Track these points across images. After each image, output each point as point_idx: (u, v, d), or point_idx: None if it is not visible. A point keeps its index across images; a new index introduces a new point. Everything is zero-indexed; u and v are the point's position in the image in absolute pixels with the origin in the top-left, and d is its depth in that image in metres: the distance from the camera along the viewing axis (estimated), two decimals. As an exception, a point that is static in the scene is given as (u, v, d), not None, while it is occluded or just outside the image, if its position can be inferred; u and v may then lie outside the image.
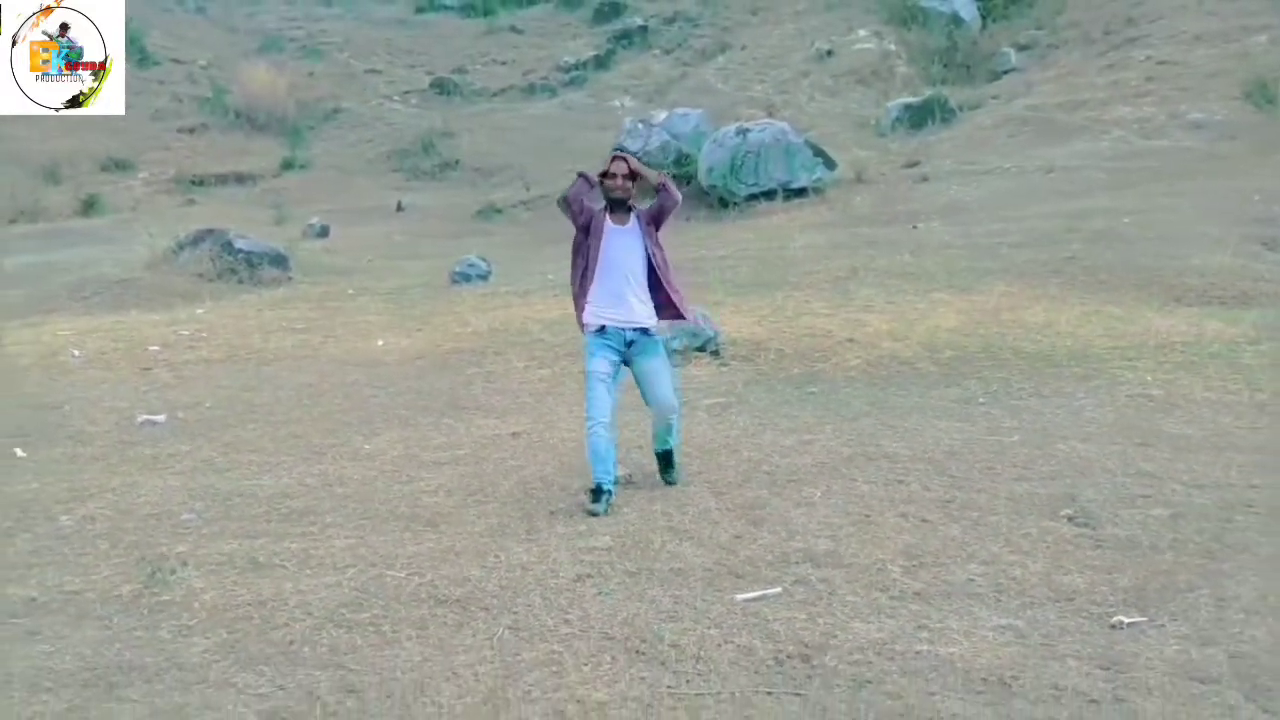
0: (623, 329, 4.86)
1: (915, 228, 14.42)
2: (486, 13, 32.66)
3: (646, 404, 5.06)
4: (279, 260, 14.04)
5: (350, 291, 12.76)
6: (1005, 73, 24.06)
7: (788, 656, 3.24)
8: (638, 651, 3.31)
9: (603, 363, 4.85)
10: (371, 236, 18.04)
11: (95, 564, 4.25)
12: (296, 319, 10.97)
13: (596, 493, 4.80)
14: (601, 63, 29.45)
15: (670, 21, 30.60)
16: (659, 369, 4.96)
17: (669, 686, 3.08)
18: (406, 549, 4.32)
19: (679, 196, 4.92)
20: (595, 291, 4.86)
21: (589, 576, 3.96)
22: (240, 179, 24.02)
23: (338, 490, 5.21)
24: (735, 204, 17.30)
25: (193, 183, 23.69)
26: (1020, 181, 17.25)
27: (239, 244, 13.91)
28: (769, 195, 17.24)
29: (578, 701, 3.01)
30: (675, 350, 8.50)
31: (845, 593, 3.71)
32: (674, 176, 18.02)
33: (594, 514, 4.72)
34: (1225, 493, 4.66)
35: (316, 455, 5.95)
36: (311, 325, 10.64)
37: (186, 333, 10.28)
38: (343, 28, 32.50)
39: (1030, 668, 3.12)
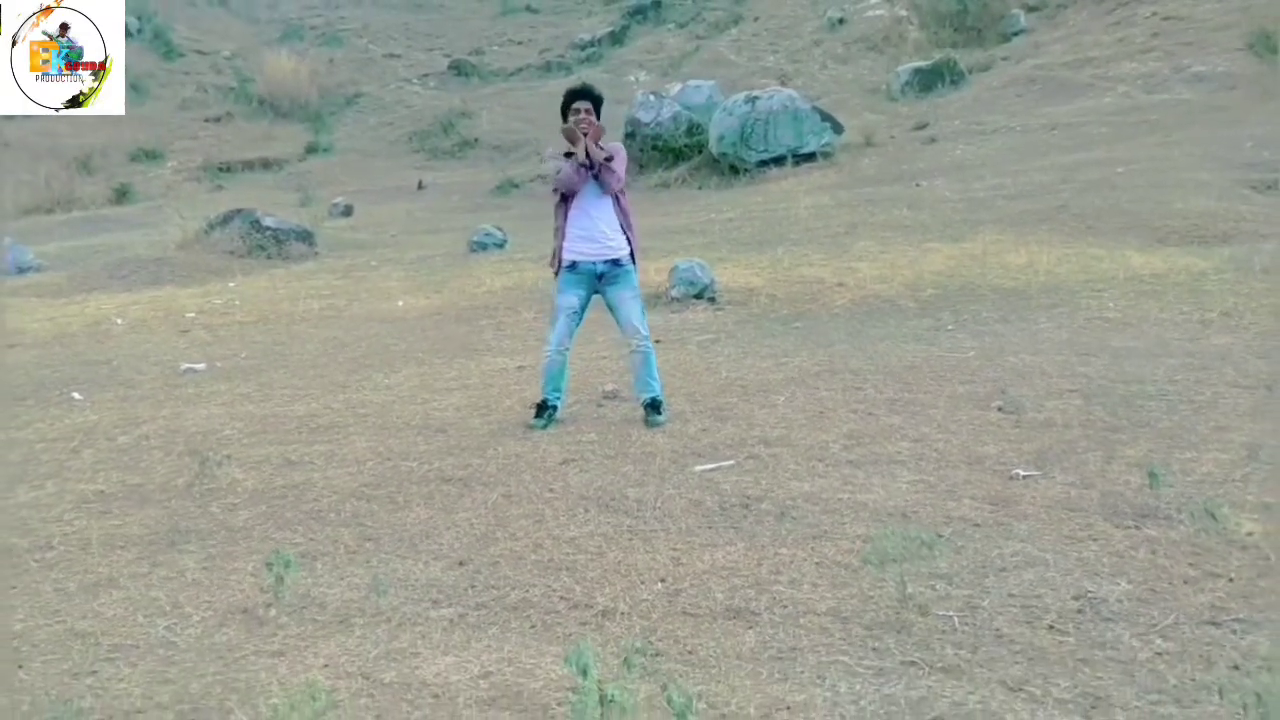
0: (594, 261, 5.21)
1: (918, 185, 14.81)
2: (502, -7, 33.23)
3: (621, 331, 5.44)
4: (305, 236, 14.75)
5: (373, 263, 13.42)
6: (1015, 34, 24.28)
7: (731, 505, 3.87)
8: (607, 506, 3.96)
9: (570, 298, 5.28)
10: (393, 214, 18.70)
11: (152, 466, 4.95)
12: (322, 287, 11.66)
13: (540, 408, 5.28)
14: (616, 39, 29.92)
15: (683, -5, 31.04)
16: (628, 298, 5.27)
17: (629, 526, 3.72)
18: (418, 448, 4.98)
19: (612, 185, 5.25)
20: (570, 229, 5.26)
21: (573, 460, 4.61)
22: (266, 164, 24.76)
23: (360, 411, 5.88)
24: (746, 171, 17.66)
25: (220, 169, 24.46)
26: (1024, 139, 17.56)
27: (267, 222, 14.62)
28: (779, 161, 17.58)
29: (553, 538, 3.66)
30: (674, 298, 9.11)
31: (789, 463, 4.32)
32: (685, 146, 18.83)
33: (534, 428, 5.17)
34: (1145, 386, 5.20)
35: (341, 388, 6.62)
36: (337, 292, 11.32)
37: (220, 302, 11.01)
38: (361, 14, 33.16)
39: (930, 505, 3.72)
